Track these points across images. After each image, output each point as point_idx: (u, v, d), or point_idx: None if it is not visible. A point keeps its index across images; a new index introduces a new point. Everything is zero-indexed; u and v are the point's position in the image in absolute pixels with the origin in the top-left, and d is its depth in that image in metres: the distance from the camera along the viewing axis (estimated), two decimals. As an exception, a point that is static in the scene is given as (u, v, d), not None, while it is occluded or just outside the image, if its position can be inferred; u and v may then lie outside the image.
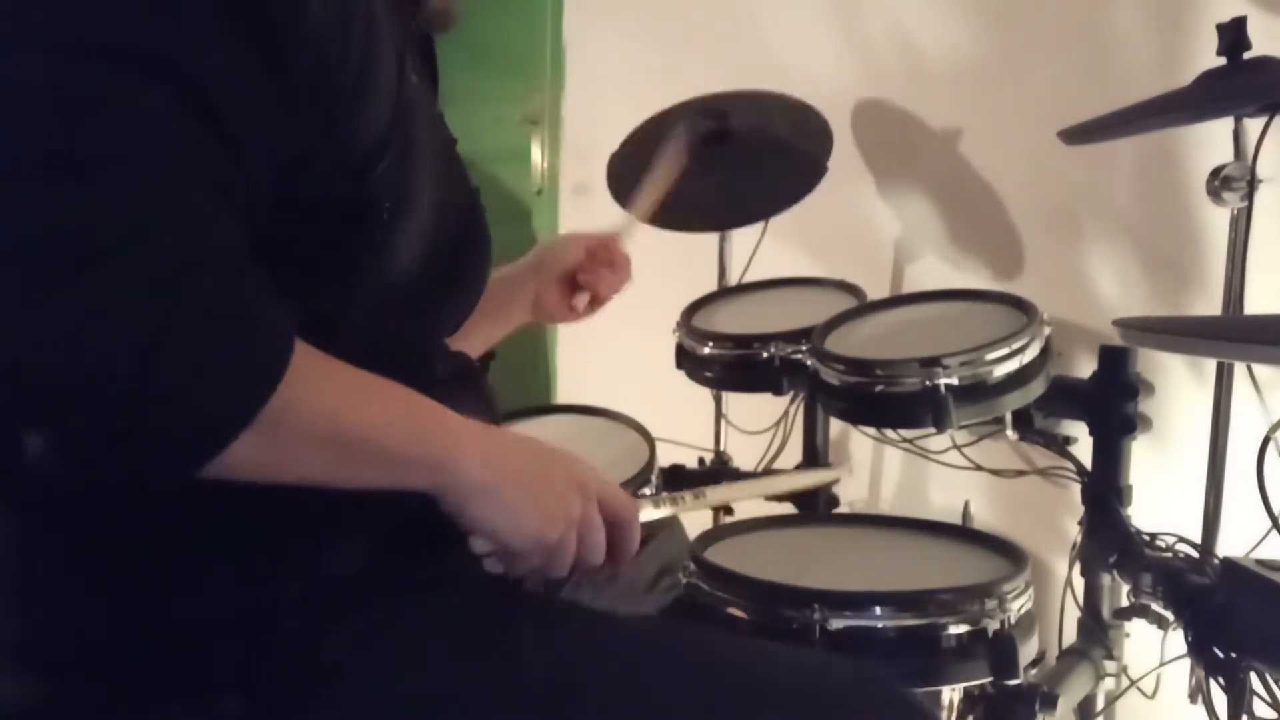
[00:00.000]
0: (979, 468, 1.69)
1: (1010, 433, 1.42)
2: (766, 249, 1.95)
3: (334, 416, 0.67)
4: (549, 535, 0.78)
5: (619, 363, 2.35)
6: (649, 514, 0.95)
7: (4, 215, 0.57)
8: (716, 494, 1.14)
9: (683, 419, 1.78)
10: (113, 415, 0.58)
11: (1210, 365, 1.44)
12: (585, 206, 2.59)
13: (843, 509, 1.75)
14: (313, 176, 0.69)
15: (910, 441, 1.72)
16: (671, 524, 1.25)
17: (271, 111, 0.64)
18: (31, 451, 0.60)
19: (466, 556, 0.80)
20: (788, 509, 1.67)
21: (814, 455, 1.69)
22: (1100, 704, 1.44)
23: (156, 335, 0.57)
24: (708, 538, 1.27)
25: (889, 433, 1.71)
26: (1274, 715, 1.04)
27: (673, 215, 1.78)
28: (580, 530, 0.80)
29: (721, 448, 1.93)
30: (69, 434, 0.59)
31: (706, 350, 1.56)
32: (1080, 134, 1.40)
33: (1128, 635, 1.45)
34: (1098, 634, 1.43)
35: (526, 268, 1.21)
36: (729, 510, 1.73)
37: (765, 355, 1.50)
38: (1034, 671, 1.16)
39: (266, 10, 0.63)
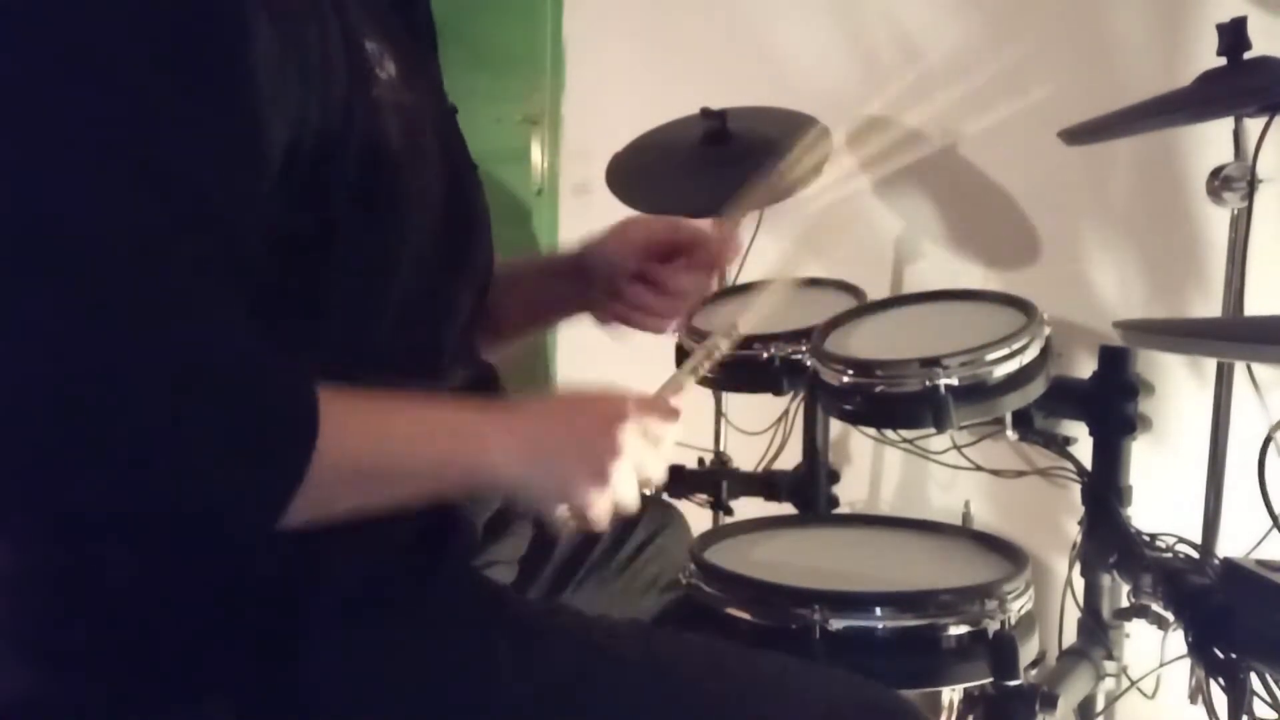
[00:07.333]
0: (979, 468, 1.69)
1: (1010, 433, 1.41)
2: (766, 250, 1.95)
3: (363, 454, 0.68)
4: (584, 507, 0.78)
5: (619, 363, 2.34)
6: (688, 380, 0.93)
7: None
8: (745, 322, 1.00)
9: (683, 419, 1.77)
10: (163, 533, 0.60)
11: (1210, 365, 1.44)
12: (585, 206, 2.58)
13: (843, 509, 1.75)
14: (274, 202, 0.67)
15: (910, 441, 1.72)
16: (672, 524, 1.25)
17: (246, 169, 0.64)
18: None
19: (451, 580, 0.81)
20: (788, 509, 1.68)
21: (814, 455, 1.69)
22: (1100, 704, 1.44)
23: (187, 450, 0.58)
24: (708, 538, 1.27)
25: (889, 433, 1.70)
26: (1274, 716, 1.04)
27: (668, 206, 1.79)
28: (630, 469, 0.79)
29: (721, 448, 1.93)
30: (131, 546, 0.62)
31: (706, 350, 1.55)
32: (1080, 134, 1.40)
33: (1128, 635, 1.45)
34: (1098, 634, 1.43)
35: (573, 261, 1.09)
36: (729, 510, 1.73)
37: (765, 355, 1.49)
38: (1034, 672, 1.16)
39: (213, 59, 0.62)
